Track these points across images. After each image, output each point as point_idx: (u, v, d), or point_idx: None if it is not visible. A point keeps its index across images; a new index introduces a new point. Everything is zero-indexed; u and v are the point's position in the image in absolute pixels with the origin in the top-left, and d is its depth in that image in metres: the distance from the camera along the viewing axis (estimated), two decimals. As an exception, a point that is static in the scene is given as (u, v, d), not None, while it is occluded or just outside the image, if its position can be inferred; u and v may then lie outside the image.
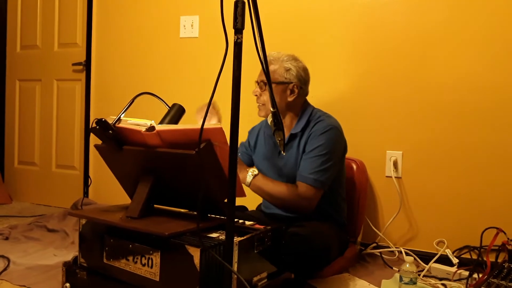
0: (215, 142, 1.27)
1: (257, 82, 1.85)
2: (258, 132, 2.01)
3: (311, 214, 1.75)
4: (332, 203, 1.86)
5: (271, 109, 1.44)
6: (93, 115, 3.04)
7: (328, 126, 1.78)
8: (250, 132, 2.08)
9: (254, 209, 2.05)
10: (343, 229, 1.92)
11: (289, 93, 1.82)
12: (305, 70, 1.86)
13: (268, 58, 1.85)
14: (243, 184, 1.66)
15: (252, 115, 2.27)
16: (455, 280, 1.77)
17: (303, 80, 1.84)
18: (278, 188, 1.74)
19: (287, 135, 1.84)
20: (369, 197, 2.23)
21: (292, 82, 1.81)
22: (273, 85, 1.79)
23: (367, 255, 2.12)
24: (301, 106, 1.87)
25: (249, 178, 1.73)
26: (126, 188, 1.54)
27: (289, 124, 1.87)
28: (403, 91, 2.19)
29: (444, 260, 1.95)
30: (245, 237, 1.27)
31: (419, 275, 1.80)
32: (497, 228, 1.83)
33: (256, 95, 1.83)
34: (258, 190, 1.76)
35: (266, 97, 1.80)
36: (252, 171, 1.75)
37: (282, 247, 1.46)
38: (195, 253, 1.16)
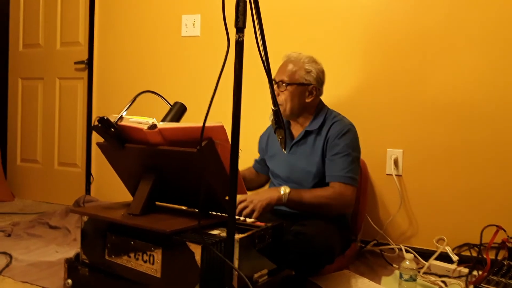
0: (217, 140, 1.28)
1: (274, 81, 1.84)
2: (268, 134, 2.02)
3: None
4: None
5: (272, 108, 1.45)
6: (95, 113, 3.05)
7: (347, 126, 1.81)
8: (260, 138, 2.09)
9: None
10: (346, 229, 1.92)
11: (308, 95, 1.83)
12: (323, 72, 1.88)
13: (288, 59, 1.87)
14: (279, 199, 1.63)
15: (253, 113, 2.29)
16: (454, 277, 1.78)
17: (321, 82, 1.87)
18: (317, 194, 1.70)
19: (300, 131, 1.86)
20: (370, 195, 2.23)
21: (311, 84, 1.83)
22: (294, 86, 1.81)
23: (367, 252, 2.13)
24: (316, 106, 1.89)
25: (284, 196, 1.64)
26: (128, 185, 1.55)
27: (303, 122, 1.89)
28: (404, 89, 2.19)
29: (444, 257, 1.95)
30: (246, 234, 1.27)
31: (419, 272, 1.80)
32: (497, 226, 1.83)
33: None
34: (297, 205, 1.68)
35: (284, 96, 1.82)
36: (284, 188, 1.66)
37: (285, 245, 1.47)
38: (196, 250, 1.17)
